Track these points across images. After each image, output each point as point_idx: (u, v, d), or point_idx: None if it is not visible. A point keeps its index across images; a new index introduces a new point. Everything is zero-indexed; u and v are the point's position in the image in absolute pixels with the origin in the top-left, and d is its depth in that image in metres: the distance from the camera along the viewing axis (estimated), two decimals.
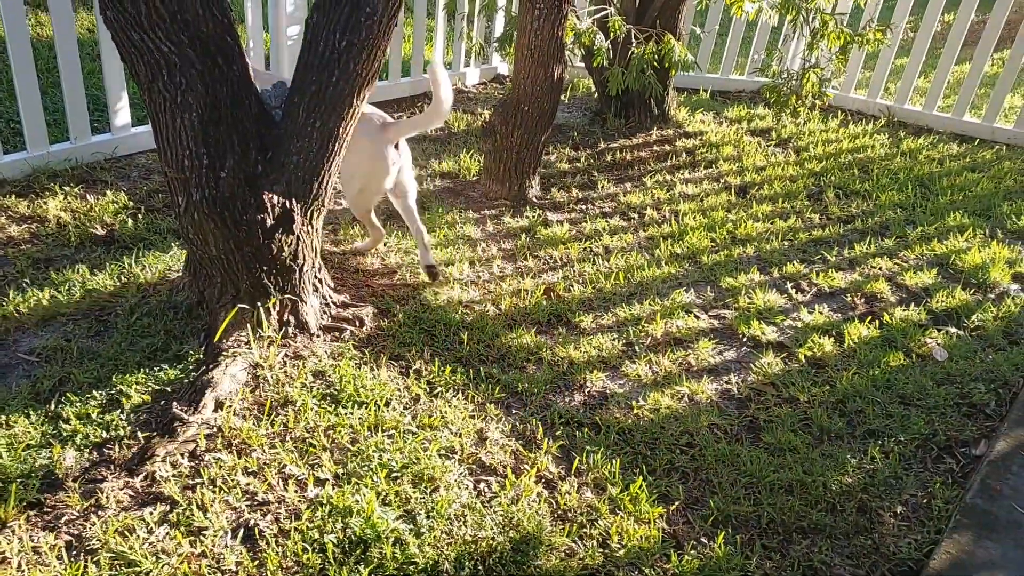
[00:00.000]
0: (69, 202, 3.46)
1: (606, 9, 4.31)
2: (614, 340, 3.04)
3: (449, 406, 2.60)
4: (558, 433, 2.55)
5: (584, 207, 4.11)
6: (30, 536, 2.00)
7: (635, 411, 2.68)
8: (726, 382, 2.89)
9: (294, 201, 2.59)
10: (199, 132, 2.34)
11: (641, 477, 2.37)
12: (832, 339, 3.14)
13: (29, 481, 2.13)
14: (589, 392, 2.77)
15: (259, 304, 2.71)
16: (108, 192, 3.58)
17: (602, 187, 4.33)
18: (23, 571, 1.91)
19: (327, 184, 2.67)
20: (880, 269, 3.71)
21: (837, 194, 4.44)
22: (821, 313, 3.31)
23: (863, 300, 3.46)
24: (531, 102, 3.79)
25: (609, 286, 3.39)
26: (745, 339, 3.14)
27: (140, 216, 3.44)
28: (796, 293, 3.47)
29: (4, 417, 2.31)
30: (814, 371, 2.97)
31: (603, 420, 2.62)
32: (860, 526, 2.31)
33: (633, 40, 4.25)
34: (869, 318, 3.29)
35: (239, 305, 2.69)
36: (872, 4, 5.15)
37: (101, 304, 2.86)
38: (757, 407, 2.76)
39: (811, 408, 2.76)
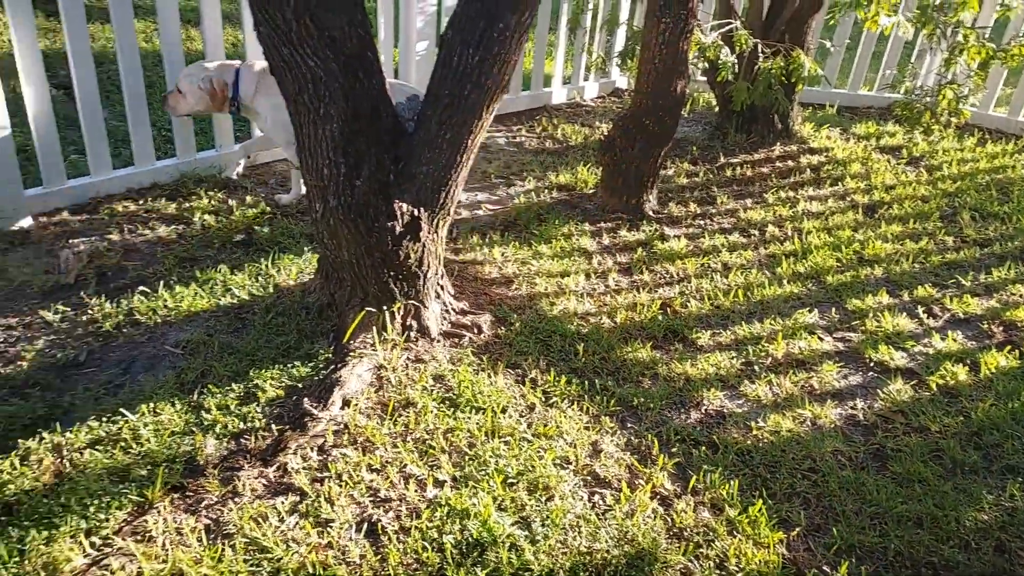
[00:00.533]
0: (213, 206, 3.69)
1: (732, 23, 4.26)
2: (732, 358, 2.99)
3: (564, 416, 2.62)
4: (674, 450, 2.53)
5: (702, 222, 4.06)
6: (174, 518, 2.14)
7: (754, 432, 2.63)
8: (851, 407, 2.79)
9: (422, 210, 2.68)
10: (339, 142, 2.46)
11: (761, 500, 2.32)
12: (967, 368, 2.98)
13: (174, 466, 2.28)
14: (706, 410, 2.73)
15: (385, 308, 2.81)
16: (248, 197, 3.80)
17: (721, 202, 4.26)
18: (167, 550, 2.05)
19: (454, 194, 2.75)
20: (1020, 296, 3.50)
21: (973, 216, 4.22)
22: (955, 340, 3.16)
23: (1001, 328, 3.28)
24: (653, 116, 3.78)
25: (728, 303, 3.33)
26: (872, 364, 3.03)
27: (276, 221, 3.63)
28: (928, 318, 3.32)
29: (153, 404, 2.49)
30: (946, 400, 2.83)
31: (721, 439, 2.58)
32: (998, 567, 2.19)
33: (760, 54, 4.18)
34: (1008, 347, 3.11)
35: (366, 308, 2.80)
36: (1018, 17, 4.88)
37: (240, 302, 3.04)
38: (884, 435, 2.66)
39: (943, 439, 2.63)
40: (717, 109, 5.29)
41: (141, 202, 3.67)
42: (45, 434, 2.34)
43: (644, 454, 2.51)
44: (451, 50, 2.52)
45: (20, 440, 2.31)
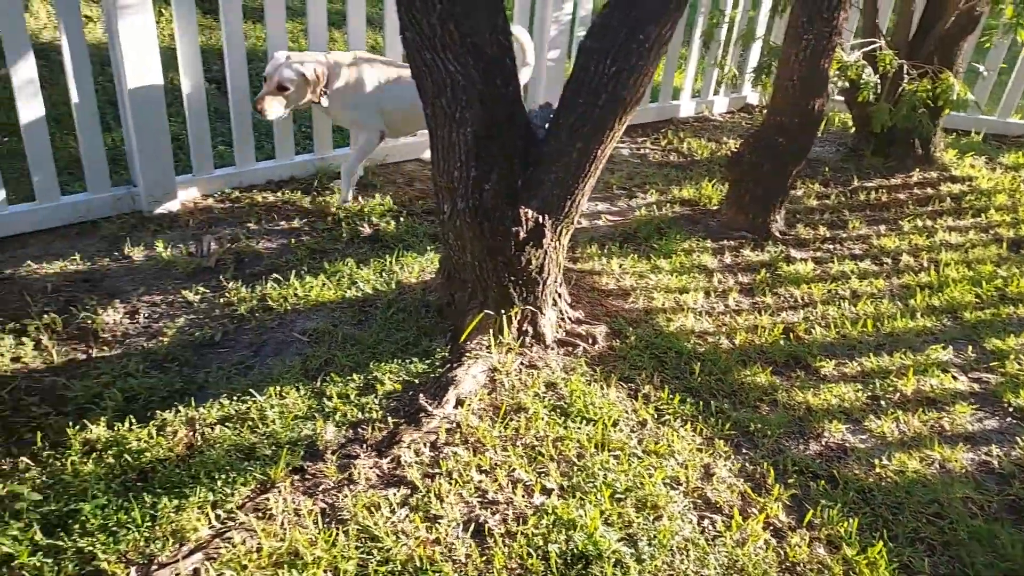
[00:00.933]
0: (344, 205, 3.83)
1: (876, 42, 4.09)
2: (858, 391, 2.86)
3: (676, 435, 2.58)
4: (790, 481, 2.45)
5: (831, 247, 3.91)
6: (293, 498, 2.23)
7: (877, 470, 2.51)
8: (985, 453, 2.62)
9: (546, 217, 2.69)
10: (472, 146, 2.50)
11: (881, 542, 2.21)
12: None
13: (296, 448, 2.37)
14: (827, 443, 2.63)
15: (503, 312, 2.84)
16: (376, 195, 3.91)
17: (853, 227, 4.10)
18: (285, 529, 2.13)
19: (579, 203, 2.75)
20: None
21: None
22: None
23: None
24: (787, 134, 3.67)
25: (855, 333, 3.20)
26: (1011, 409, 2.84)
27: (402, 219, 3.73)
28: None
29: (279, 388, 2.60)
30: None
31: (841, 474, 2.48)
32: None
33: (905, 76, 3.99)
34: None
35: (485, 311, 2.84)
36: None
37: (364, 296, 3.14)
38: (1022, 486, 2.48)
39: None
40: (853, 130, 5.08)
41: (279, 194, 3.84)
42: (180, 407, 2.48)
43: (758, 482, 2.44)
44: (588, 58, 2.51)
45: (158, 411, 2.47)
